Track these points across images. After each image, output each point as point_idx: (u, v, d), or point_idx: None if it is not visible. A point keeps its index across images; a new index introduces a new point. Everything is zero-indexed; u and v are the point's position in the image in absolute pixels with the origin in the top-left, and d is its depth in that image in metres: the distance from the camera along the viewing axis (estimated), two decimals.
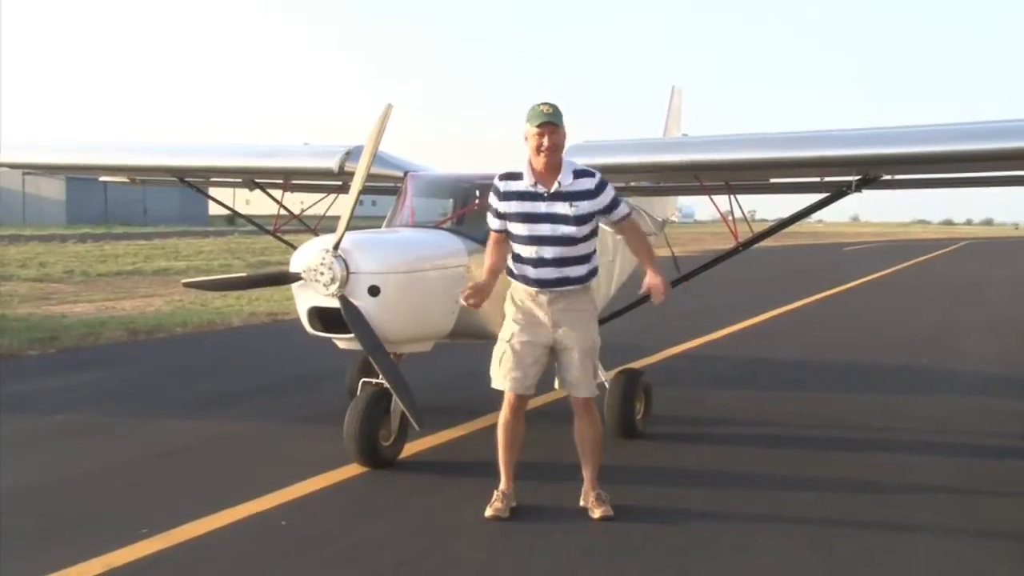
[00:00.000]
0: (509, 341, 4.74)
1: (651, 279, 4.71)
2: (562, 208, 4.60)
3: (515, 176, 4.70)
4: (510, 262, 4.80)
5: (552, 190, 4.61)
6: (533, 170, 4.65)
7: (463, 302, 4.67)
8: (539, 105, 4.60)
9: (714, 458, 6.11)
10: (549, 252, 4.62)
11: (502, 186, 4.72)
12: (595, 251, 4.81)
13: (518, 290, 4.78)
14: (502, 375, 4.76)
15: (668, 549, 4.42)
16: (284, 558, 4.22)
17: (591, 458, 4.86)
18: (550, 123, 4.54)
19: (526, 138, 4.62)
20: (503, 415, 4.84)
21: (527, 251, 4.67)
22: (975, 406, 8.07)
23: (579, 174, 4.67)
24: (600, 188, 4.66)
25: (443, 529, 4.64)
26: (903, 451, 6.41)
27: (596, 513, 4.75)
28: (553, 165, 4.62)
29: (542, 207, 4.62)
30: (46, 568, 3.99)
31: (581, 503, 4.87)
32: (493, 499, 4.78)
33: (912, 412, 7.75)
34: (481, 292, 4.64)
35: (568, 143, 4.83)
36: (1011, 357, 11.20)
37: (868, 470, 5.90)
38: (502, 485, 4.86)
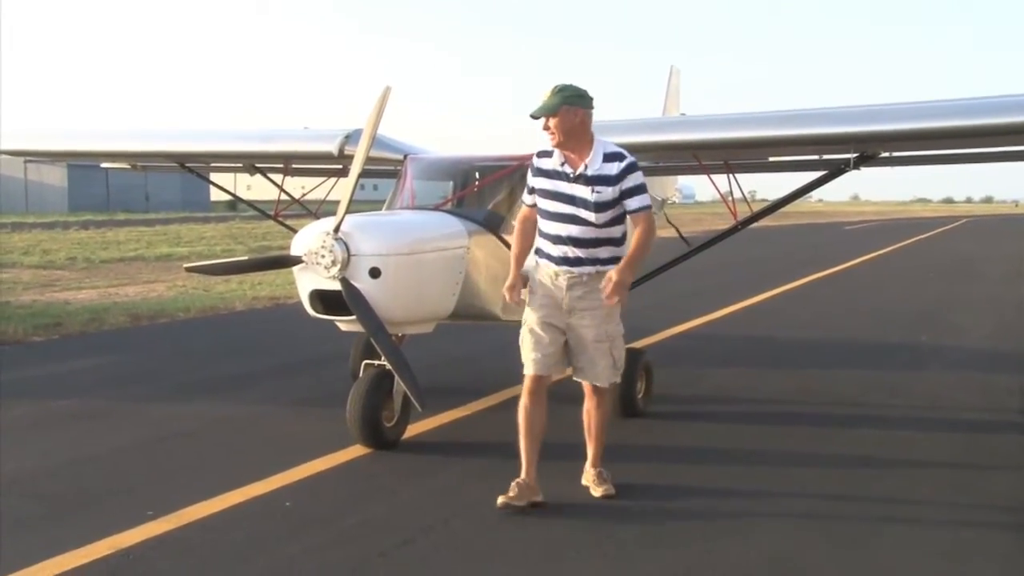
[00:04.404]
0: (528, 323, 4.71)
1: (613, 273, 4.41)
2: (583, 192, 4.53)
3: (547, 153, 4.67)
4: (538, 240, 4.73)
5: (577, 172, 4.54)
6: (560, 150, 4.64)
7: (515, 302, 4.68)
8: (545, 92, 4.56)
9: (715, 436, 6.13)
10: (572, 231, 4.56)
11: (536, 162, 4.71)
12: (624, 236, 4.68)
13: (540, 271, 4.70)
14: (524, 357, 4.70)
15: (669, 526, 4.44)
16: (289, 538, 4.25)
17: (596, 437, 4.83)
18: (544, 111, 4.51)
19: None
20: (522, 400, 4.71)
21: (551, 228, 4.62)
22: (973, 382, 8.10)
23: (609, 157, 4.55)
24: (624, 173, 4.51)
25: (445, 509, 4.66)
26: (902, 427, 6.43)
27: (597, 492, 4.74)
28: (571, 147, 4.56)
29: (566, 188, 4.57)
30: (55, 549, 4.02)
31: (583, 481, 4.85)
32: (509, 488, 4.57)
33: (911, 388, 7.78)
34: (515, 287, 4.65)
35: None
36: (1009, 332, 11.21)
37: (867, 446, 5.92)
38: (522, 475, 4.64)
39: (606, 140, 4.67)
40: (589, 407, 4.83)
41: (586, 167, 4.53)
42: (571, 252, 4.57)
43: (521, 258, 4.75)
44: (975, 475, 5.36)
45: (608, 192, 4.51)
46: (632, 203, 4.55)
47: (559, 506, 4.61)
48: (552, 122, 4.52)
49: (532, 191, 4.73)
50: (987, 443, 6.12)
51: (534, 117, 4.57)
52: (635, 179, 4.54)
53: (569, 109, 4.50)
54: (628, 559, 4.04)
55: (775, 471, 5.35)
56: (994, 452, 5.89)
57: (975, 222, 59.46)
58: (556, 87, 4.54)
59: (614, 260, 4.59)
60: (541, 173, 4.67)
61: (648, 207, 4.62)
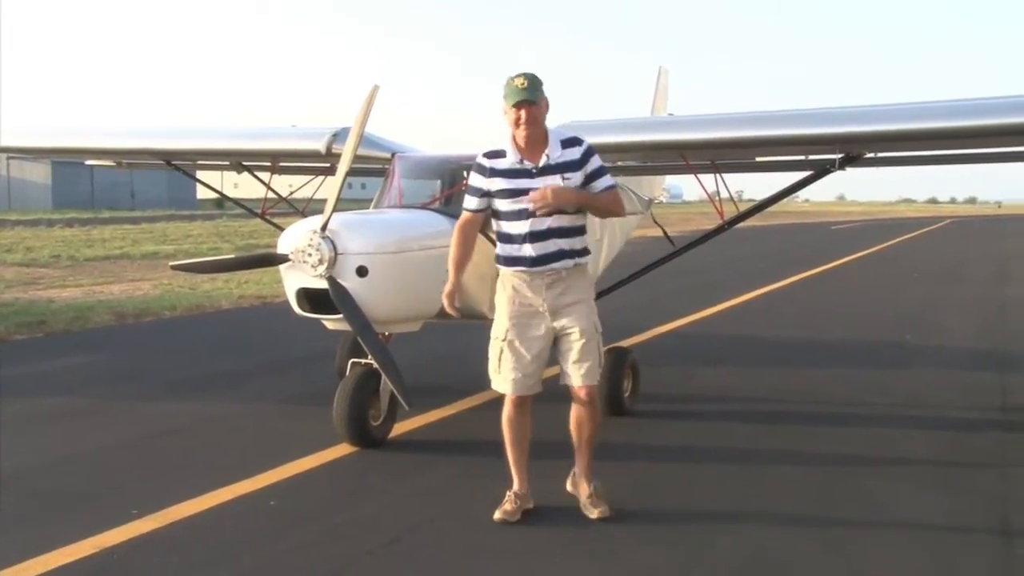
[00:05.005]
0: (505, 339, 4.43)
1: (550, 184, 4.33)
2: (554, 181, 4.35)
3: (499, 154, 4.46)
4: (500, 248, 4.51)
5: (541, 164, 4.39)
6: (517, 146, 4.42)
7: (451, 312, 4.50)
8: (514, 79, 4.35)
9: (702, 435, 6.16)
10: (546, 223, 4.35)
11: (487, 163, 4.47)
12: (587, 224, 4.58)
13: (510, 278, 4.46)
14: (503, 377, 4.46)
15: (658, 524, 4.45)
16: (274, 537, 4.24)
17: (586, 447, 4.56)
18: (527, 101, 4.32)
19: (504, 113, 4.41)
20: (506, 411, 4.54)
21: (518, 227, 4.39)
22: (955, 380, 8.17)
23: (567, 143, 4.43)
24: (586, 157, 4.43)
25: (433, 507, 4.67)
26: (888, 425, 6.48)
27: (594, 514, 4.45)
28: (536, 138, 4.39)
29: (530, 183, 4.37)
30: (38, 549, 4.00)
31: (568, 488, 4.64)
32: (504, 501, 4.48)
33: (895, 387, 7.83)
34: (453, 295, 4.47)
35: (556, 124, 4.75)
36: (990, 333, 11.31)
37: (854, 445, 5.96)
38: (515, 486, 4.54)
39: (554, 128, 4.53)
40: (580, 416, 4.52)
41: (548, 157, 4.38)
42: (547, 247, 4.36)
43: (460, 265, 4.52)
44: (958, 472, 5.40)
45: (576, 177, 4.39)
46: (599, 184, 4.46)
47: (547, 504, 4.60)
48: (533, 111, 4.33)
49: (484, 194, 4.48)
50: (969, 441, 6.16)
51: (531, 103, 4.31)
52: (596, 161, 4.45)
53: (543, 99, 4.40)
54: (617, 557, 4.04)
55: (763, 469, 5.38)
56: (976, 450, 5.95)
57: (959, 223, 59.85)
58: (530, 75, 4.36)
59: (586, 251, 4.52)
60: (496, 174, 4.44)
61: (613, 186, 4.53)
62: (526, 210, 4.37)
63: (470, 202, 4.54)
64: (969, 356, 9.60)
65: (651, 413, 6.57)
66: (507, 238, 4.46)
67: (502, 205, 4.46)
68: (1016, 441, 6.19)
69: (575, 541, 4.21)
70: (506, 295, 4.48)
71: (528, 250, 4.38)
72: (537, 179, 4.37)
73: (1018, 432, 6.47)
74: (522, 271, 4.41)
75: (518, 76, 4.35)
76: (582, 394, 4.48)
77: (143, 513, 4.44)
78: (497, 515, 4.42)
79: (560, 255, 4.40)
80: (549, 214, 4.34)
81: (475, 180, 4.53)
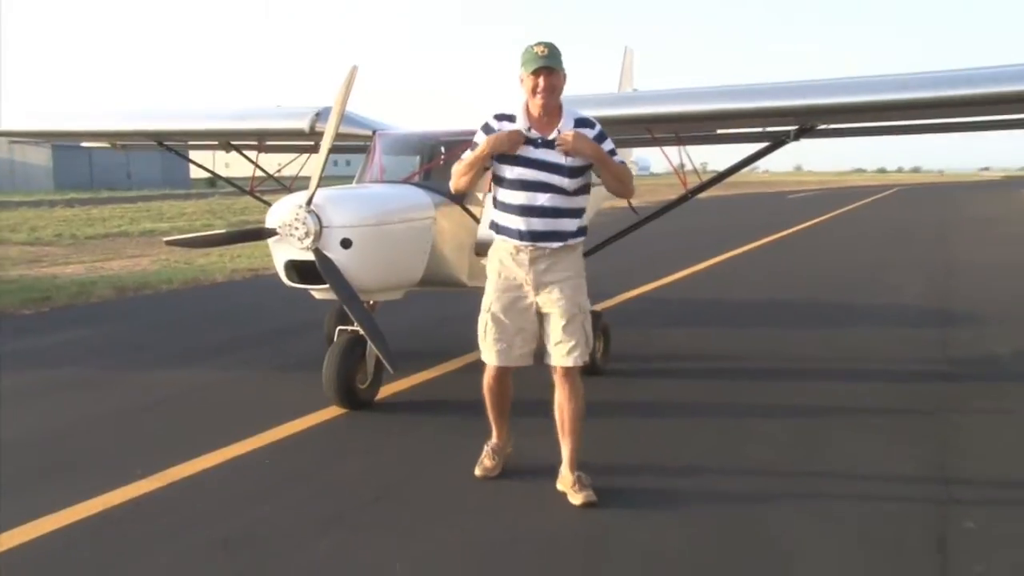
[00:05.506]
0: (490, 310, 4.16)
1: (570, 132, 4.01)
2: (556, 157, 4.03)
3: (509, 118, 4.10)
4: (495, 214, 4.20)
5: (550, 137, 4.04)
6: (529, 115, 4.06)
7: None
8: (534, 47, 3.99)
9: (669, 392, 6.19)
10: (540, 200, 4.03)
11: (495, 125, 4.10)
12: (586, 208, 4.23)
13: (500, 249, 4.18)
14: (487, 347, 4.19)
15: (629, 476, 4.47)
16: (269, 494, 4.23)
17: (571, 433, 4.16)
18: (546, 68, 3.96)
19: (521, 81, 4.03)
20: (486, 380, 4.30)
21: (515, 197, 4.07)
22: (903, 336, 8.25)
23: (580, 123, 4.09)
24: (598, 140, 4.06)
25: (418, 464, 4.67)
26: (840, 379, 6.54)
27: (577, 499, 4.05)
28: (551, 109, 4.04)
29: (534, 152, 4.05)
30: (50, 508, 3.99)
31: (558, 486, 4.20)
32: (482, 456, 4.37)
33: (848, 344, 7.89)
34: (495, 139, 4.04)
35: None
36: (935, 291, 11.41)
37: (807, 397, 6.01)
38: (493, 439, 4.43)
39: (571, 108, 4.20)
40: (562, 398, 4.17)
41: (559, 132, 4.04)
42: (537, 224, 4.05)
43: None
44: (904, 420, 5.47)
45: (581, 158, 4.05)
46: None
47: (527, 459, 4.57)
48: (552, 79, 3.99)
49: (497, 156, 4.11)
50: (913, 391, 6.24)
51: (551, 70, 3.96)
52: (609, 144, 4.10)
53: (563, 70, 4.05)
54: (593, 509, 4.00)
55: (724, 421, 5.42)
56: (920, 398, 6.02)
57: (905, 190, 60.26)
58: (549, 44, 4.00)
59: (580, 232, 4.16)
60: None
61: (623, 162, 4.19)
62: (527, 180, 4.06)
63: (468, 156, 4.17)
64: (915, 313, 9.70)
65: (622, 372, 6.58)
66: (502, 206, 4.16)
67: (505, 171, 4.12)
68: (955, 390, 6.27)
69: (550, 491, 4.20)
70: (493, 268, 4.21)
71: (519, 223, 4.08)
72: (540, 150, 4.05)
73: (957, 382, 6.55)
74: (509, 241, 4.13)
75: (538, 44, 4.00)
76: (558, 375, 4.17)
77: (147, 473, 4.43)
78: (478, 471, 4.36)
79: (550, 235, 4.07)
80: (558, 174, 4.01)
81: (479, 138, 4.14)
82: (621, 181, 4.16)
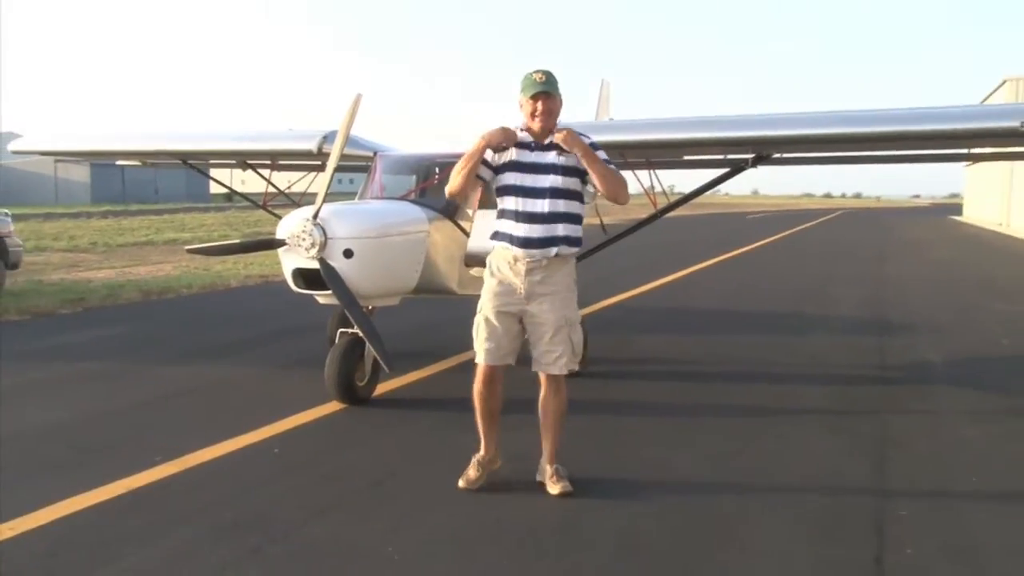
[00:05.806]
0: (483, 312, 4.01)
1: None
2: (551, 157, 3.91)
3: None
4: (497, 223, 4.03)
5: (544, 141, 3.94)
6: (530, 131, 3.99)
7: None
8: (533, 74, 3.88)
9: (639, 392, 6.15)
10: (537, 205, 3.89)
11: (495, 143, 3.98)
12: (582, 217, 4.04)
13: (499, 256, 4.00)
14: (478, 346, 4.02)
15: (604, 470, 4.43)
16: (278, 479, 4.17)
17: (552, 430, 4.06)
18: (544, 93, 3.87)
19: (521, 105, 3.95)
20: (476, 385, 4.07)
21: (515, 203, 3.92)
22: (844, 343, 8.26)
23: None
24: (592, 148, 3.93)
25: (410, 455, 4.61)
26: (789, 382, 6.53)
27: (555, 489, 3.96)
28: (549, 131, 3.94)
29: (529, 156, 3.94)
30: (77, 489, 3.93)
31: (537, 478, 4.11)
32: (468, 467, 4.08)
33: (797, 349, 7.90)
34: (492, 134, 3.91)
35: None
36: (873, 302, 11.46)
37: (761, 397, 5.99)
38: (480, 451, 4.13)
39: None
40: (545, 398, 4.06)
41: (553, 135, 3.92)
42: (538, 232, 3.88)
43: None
44: (846, 419, 5.46)
45: (573, 157, 3.89)
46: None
47: (515, 449, 4.45)
48: (549, 103, 3.89)
49: (487, 165, 3.96)
50: (853, 392, 6.24)
51: (548, 94, 3.86)
52: (602, 154, 3.96)
53: (559, 96, 3.95)
54: (570, 498, 3.94)
55: (686, 420, 5.39)
56: (859, 399, 6.02)
57: (848, 213, 60.59)
58: (547, 72, 3.90)
59: (575, 243, 3.99)
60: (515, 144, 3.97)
61: (616, 169, 4.03)
62: (520, 186, 3.92)
63: (483, 171, 4.02)
64: (855, 322, 9.72)
65: (599, 374, 6.53)
66: (502, 213, 4.00)
67: (501, 180, 3.98)
68: (891, 392, 6.27)
69: (532, 487, 4.11)
70: (491, 273, 4.03)
71: (518, 228, 3.91)
72: (535, 153, 3.94)
73: (893, 384, 6.55)
74: (508, 250, 3.94)
75: (536, 71, 3.90)
76: (544, 382, 4.06)
77: (166, 459, 4.36)
78: (461, 483, 4.03)
79: (547, 242, 3.90)
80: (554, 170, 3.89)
81: (487, 155, 3.99)
82: (607, 179, 3.91)
